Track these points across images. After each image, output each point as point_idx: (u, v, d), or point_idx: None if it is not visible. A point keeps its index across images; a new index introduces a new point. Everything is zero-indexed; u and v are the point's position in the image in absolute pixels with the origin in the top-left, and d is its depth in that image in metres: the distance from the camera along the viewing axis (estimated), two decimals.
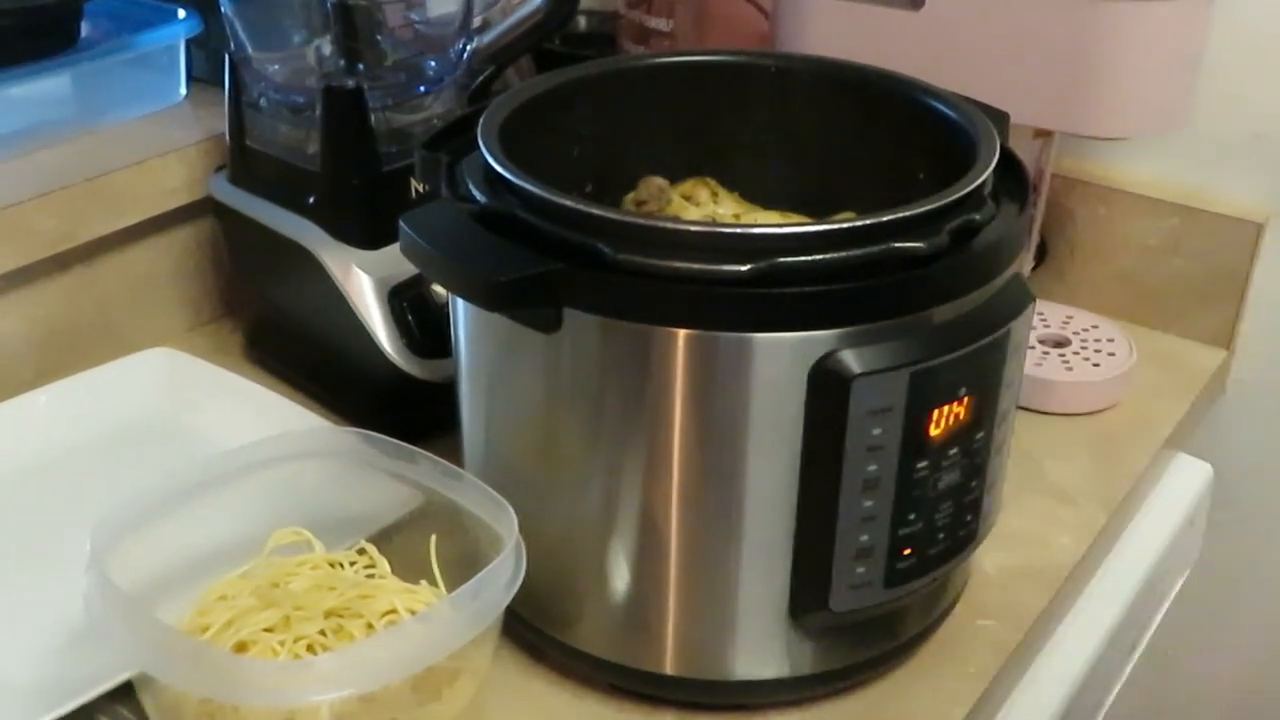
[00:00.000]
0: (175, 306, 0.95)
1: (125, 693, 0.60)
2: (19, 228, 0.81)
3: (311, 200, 0.81)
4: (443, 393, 0.69)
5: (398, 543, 0.67)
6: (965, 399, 0.57)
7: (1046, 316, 0.93)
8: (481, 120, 0.62)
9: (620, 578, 0.61)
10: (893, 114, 0.68)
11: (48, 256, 0.84)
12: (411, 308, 0.79)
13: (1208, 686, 1.10)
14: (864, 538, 0.58)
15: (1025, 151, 0.79)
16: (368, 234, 0.80)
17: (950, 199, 0.56)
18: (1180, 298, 0.95)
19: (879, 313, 0.55)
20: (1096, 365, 0.88)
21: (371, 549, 0.67)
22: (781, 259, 0.53)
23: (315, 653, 0.60)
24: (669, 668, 0.63)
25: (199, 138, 0.90)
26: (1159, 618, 0.90)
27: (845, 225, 0.55)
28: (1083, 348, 0.90)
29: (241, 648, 0.60)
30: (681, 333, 0.55)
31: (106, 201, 0.86)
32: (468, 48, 0.85)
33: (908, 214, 0.55)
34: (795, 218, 0.71)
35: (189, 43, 0.95)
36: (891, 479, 0.57)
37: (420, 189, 0.77)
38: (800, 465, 0.57)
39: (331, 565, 0.65)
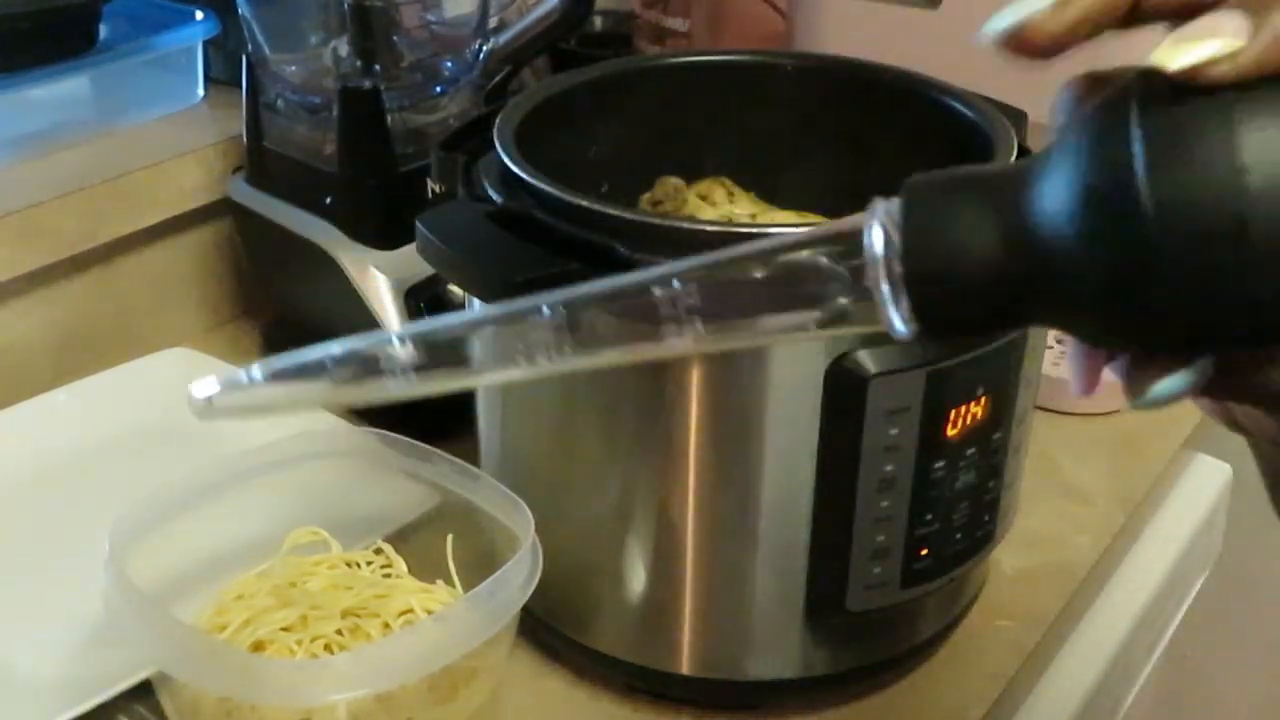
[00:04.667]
0: (193, 307, 0.95)
1: (144, 691, 0.60)
2: (39, 228, 0.82)
3: (328, 201, 0.81)
4: (459, 393, 0.69)
5: (414, 542, 0.67)
6: (983, 399, 0.57)
7: None
8: (498, 120, 0.63)
9: (636, 578, 0.61)
10: (909, 113, 0.68)
11: (67, 257, 0.85)
12: (428, 308, 0.79)
13: (1227, 687, 1.09)
14: (880, 538, 0.58)
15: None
16: (384, 234, 0.80)
17: None
18: None
19: None
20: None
21: (388, 549, 0.67)
22: None
23: (332, 652, 0.60)
24: (685, 668, 0.63)
25: (216, 139, 0.90)
26: (1178, 618, 0.90)
27: None
28: None
29: (259, 647, 0.60)
30: None
31: (125, 202, 0.86)
32: (484, 48, 0.85)
33: None
34: (812, 217, 0.71)
35: (207, 44, 0.96)
36: (908, 479, 0.57)
37: (436, 189, 0.77)
38: (817, 465, 0.56)
39: (348, 565, 0.66)
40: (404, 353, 0.42)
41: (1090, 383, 0.37)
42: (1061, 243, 0.32)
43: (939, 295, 0.34)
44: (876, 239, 0.34)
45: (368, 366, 0.43)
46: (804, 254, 0.36)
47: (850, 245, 0.35)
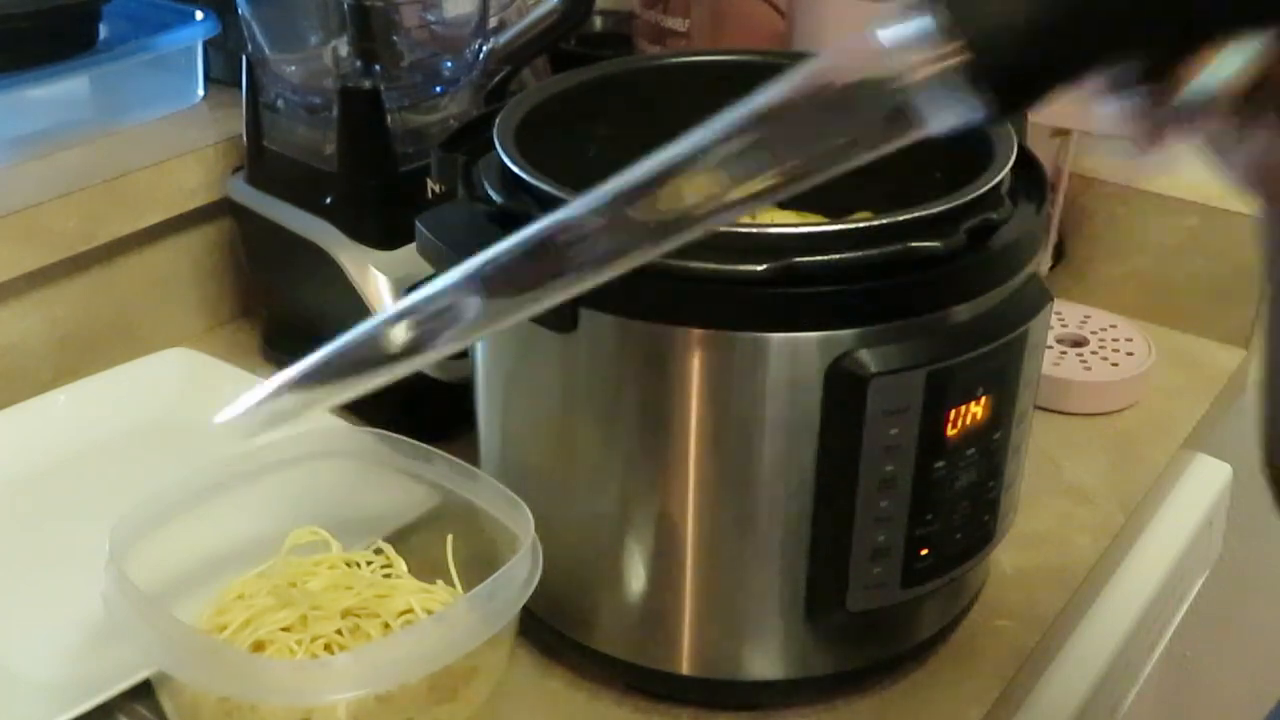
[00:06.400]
0: (193, 307, 0.95)
1: (144, 691, 0.61)
2: (39, 228, 0.82)
3: (328, 201, 0.81)
4: (459, 393, 0.69)
5: (414, 543, 0.67)
6: (983, 399, 0.57)
7: (1064, 316, 0.93)
8: (498, 121, 0.63)
9: (636, 578, 0.61)
10: None
11: (67, 257, 0.85)
12: None
13: (1226, 687, 1.09)
14: (881, 538, 0.58)
15: (1043, 150, 0.79)
16: (384, 234, 0.80)
17: (967, 198, 0.56)
18: (1199, 297, 0.95)
19: (896, 312, 0.55)
20: (1115, 365, 0.88)
21: (388, 549, 0.67)
22: (798, 258, 0.53)
23: (332, 652, 0.60)
24: (685, 668, 0.63)
25: (217, 139, 0.90)
26: (1177, 619, 0.90)
27: (862, 225, 0.55)
28: (1101, 347, 0.89)
29: (259, 647, 0.60)
30: (698, 332, 0.55)
31: (125, 202, 0.86)
32: (484, 48, 0.85)
33: (924, 213, 0.55)
34: (812, 217, 0.71)
35: (207, 44, 0.95)
36: (908, 479, 0.57)
37: (436, 189, 0.77)
38: (816, 465, 0.57)
39: (348, 565, 0.66)
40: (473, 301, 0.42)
41: (1157, 135, 0.34)
42: None
43: (1014, 56, 0.31)
44: (924, 24, 0.32)
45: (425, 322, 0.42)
46: (852, 74, 0.33)
47: (891, 49, 0.32)
